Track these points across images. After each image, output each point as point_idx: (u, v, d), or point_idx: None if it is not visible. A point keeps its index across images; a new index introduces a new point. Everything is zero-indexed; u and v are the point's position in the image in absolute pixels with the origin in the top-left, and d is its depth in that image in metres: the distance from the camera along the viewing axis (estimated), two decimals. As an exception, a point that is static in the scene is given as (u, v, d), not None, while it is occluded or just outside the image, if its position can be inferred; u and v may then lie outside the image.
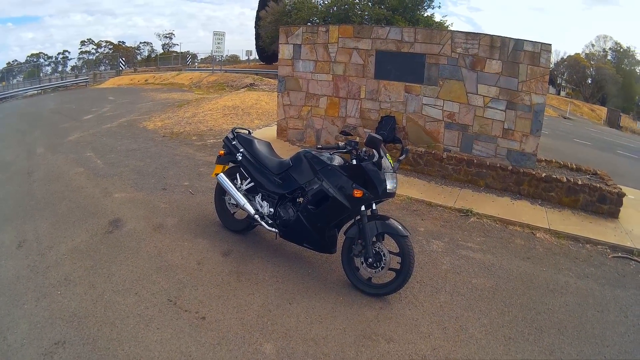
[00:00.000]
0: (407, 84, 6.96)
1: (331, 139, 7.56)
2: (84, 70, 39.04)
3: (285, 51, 7.95)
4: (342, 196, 3.24)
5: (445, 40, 6.56)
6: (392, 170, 3.22)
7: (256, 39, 35.27)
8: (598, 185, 5.85)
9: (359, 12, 22.31)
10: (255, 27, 34.76)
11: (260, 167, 3.85)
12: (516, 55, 6.19)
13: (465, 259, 4.18)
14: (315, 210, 3.39)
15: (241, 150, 4.02)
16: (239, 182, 4.03)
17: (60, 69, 45.32)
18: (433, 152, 6.65)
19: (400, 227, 3.21)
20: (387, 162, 3.21)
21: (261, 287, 3.33)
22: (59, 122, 11.50)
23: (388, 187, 3.15)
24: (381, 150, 3.19)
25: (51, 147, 8.18)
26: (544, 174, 6.05)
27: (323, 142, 7.69)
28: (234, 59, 44.78)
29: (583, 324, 3.35)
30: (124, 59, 37.82)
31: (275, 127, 8.58)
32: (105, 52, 50.87)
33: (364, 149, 3.33)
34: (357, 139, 3.42)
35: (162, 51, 52.43)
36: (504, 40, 6.28)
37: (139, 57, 51.12)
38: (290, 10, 25.74)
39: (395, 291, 3.26)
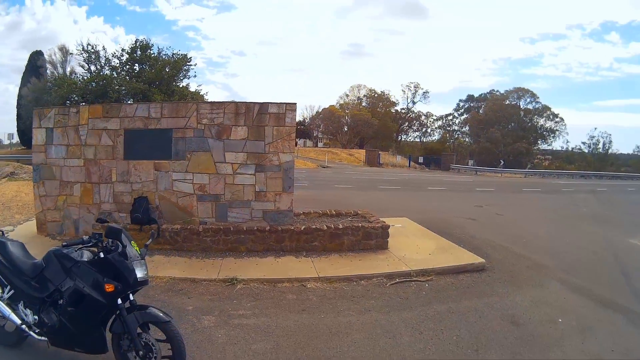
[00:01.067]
0: (156, 161, 6.66)
1: (89, 228, 6.75)
2: None
3: (38, 136, 7.24)
4: (96, 292, 3.13)
5: (191, 112, 6.50)
6: (139, 257, 3.21)
7: (18, 119, 31.57)
8: (360, 224, 6.18)
9: (117, 87, 21.17)
10: (17, 106, 31.14)
11: (16, 271, 3.55)
12: (262, 118, 6.37)
13: (240, 328, 4.02)
14: (76, 312, 3.22)
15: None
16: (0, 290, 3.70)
17: None
18: (189, 227, 6.36)
19: (160, 313, 3.21)
20: (132, 250, 3.19)
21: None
22: None
23: (138, 275, 3.12)
24: (124, 239, 3.18)
25: None
26: (303, 227, 6.17)
27: (82, 232, 7.02)
28: (-5, 143, 41.21)
29: (378, 354, 3.37)
30: None
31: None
32: None
33: (110, 240, 3.25)
34: (116, 225, 3.36)
35: None
36: (248, 105, 6.45)
37: None
38: (51, 88, 23.51)
39: None
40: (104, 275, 3.11)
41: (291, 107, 6.47)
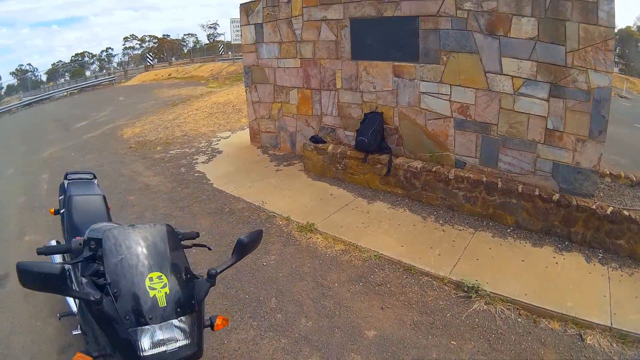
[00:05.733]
0: (395, 63, 5.51)
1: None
2: (132, 65, 44.06)
3: (247, 34, 7.12)
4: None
5: (446, -8, 4.79)
6: (163, 312, 1.78)
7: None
8: None
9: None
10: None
11: None
12: (559, 9, 4.37)
13: None
14: None
15: (62, 210, 3.30)
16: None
17: (107, 66, 54.35)
18: (434, 169, 5.12)
19: None
20: (142, 294, 1.78)
21: None
22: (50, 132, 12.86)
23: (147, 352, 1.72)
24: (126, 267, 1.87)
25: (21, 166, 9.03)
26: (609, 209, 4.16)
27: (298, 149, 6.76)
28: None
29: None
30: (151, 54, 42.30)
31: (256, 129, 8.04)
32: (150, 46, 58.21)
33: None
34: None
35: (208, 42, 57.29)
36: (538, -15, 4.32)
37: (185, 50, 57.45)
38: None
39: None
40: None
41: (608, -7, 4.08)
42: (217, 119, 10.43)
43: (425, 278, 4.04)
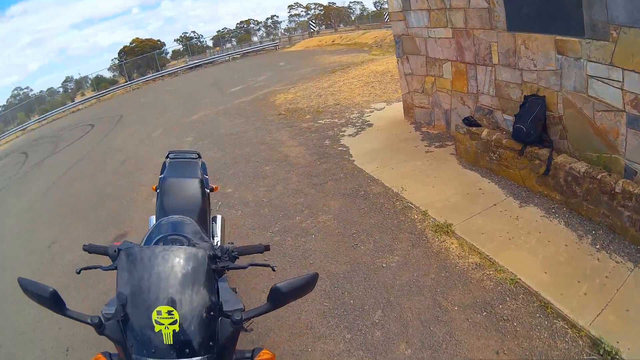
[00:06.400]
0: (557, 37, 4.74)
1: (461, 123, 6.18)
2: (298, 32, 51.58)
3: (393, 1, 7.04)
4: None
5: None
6: (168, 350, 1.82)
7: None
8: None
9: None
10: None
11: None
12: None
13: None
14: None
15: (158, 191, 3.34)
16: None
17: (274, 32, 63.05)
18: (599, 176, 4.40)
19: None
20: (147, 327, 1.82)
21: None
22: (205, 96, 14.91)
23: None
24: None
25: (169, 128, 10.67)
26: None
27: (453, 128, 6.46)
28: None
29: None
30: (314, 21, 48.33)
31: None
32: (315, 13, 64.22)
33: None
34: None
35: (374, 9, 61.04)
36: None
37: (352, 17, 62.35)
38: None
39: None
40: None
41: None
42: (373, 89, 10.72)
43: (560, 323, 3.58)
